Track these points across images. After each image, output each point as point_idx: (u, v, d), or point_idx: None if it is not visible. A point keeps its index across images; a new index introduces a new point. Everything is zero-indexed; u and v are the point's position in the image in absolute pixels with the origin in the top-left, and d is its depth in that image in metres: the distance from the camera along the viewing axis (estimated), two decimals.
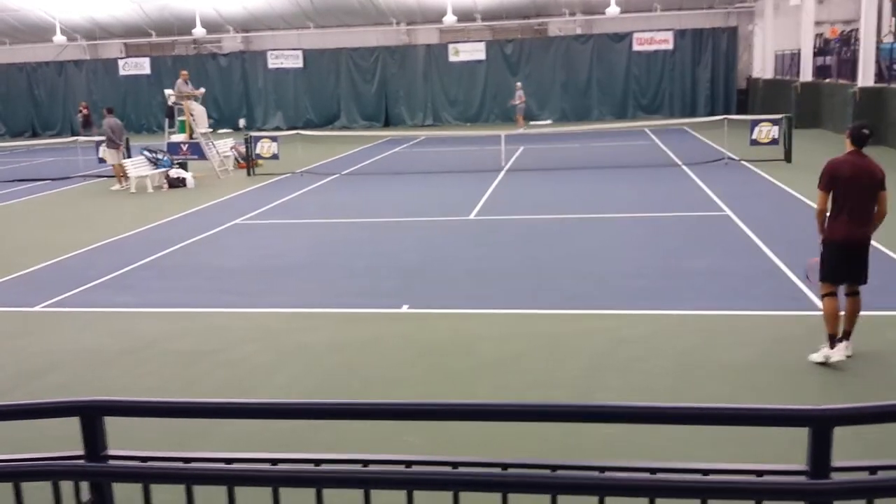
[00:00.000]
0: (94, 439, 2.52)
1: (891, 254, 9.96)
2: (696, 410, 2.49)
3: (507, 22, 36.50)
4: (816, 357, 6.78)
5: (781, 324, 8.01)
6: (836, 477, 2.18)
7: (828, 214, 6.82)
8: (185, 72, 22.92)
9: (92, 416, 2.52)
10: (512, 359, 7.35)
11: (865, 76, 21.67)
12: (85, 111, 33.72)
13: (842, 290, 6.87)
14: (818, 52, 28.47)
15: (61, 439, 2.92)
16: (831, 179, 6.75)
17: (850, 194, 6.69)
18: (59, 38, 34.73)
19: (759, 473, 2.30)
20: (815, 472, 2.19)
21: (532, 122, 32.63)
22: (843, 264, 6.81)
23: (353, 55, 37.41)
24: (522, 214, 14.26)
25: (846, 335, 6.79)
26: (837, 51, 26.89)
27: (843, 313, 6.82)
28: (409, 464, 2.45)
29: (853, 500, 2.22)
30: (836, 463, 2.20)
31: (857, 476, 2.23)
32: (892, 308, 8.01)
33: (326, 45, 37.63)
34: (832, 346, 6.73)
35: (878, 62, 22.13)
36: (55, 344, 8.37)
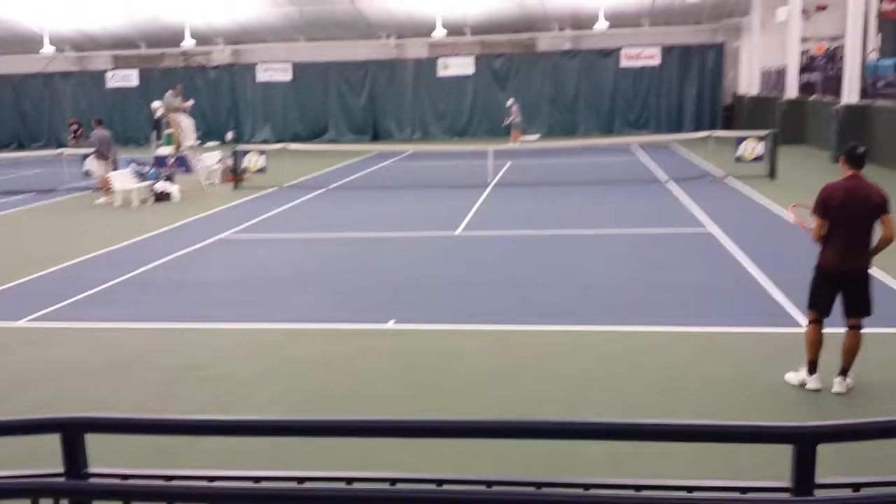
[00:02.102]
0: (75, 456, 2.50)
1: (878, 272, 10.01)
2: (680, 427, 2.49)
3: (496, 36, 36.69)
4: (791, 378, 6.73)
5: (765, 340, 8.03)
6: (820, 494, 2.19)
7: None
8: (178, 85, 22.85)
9: (73, 432, 2.50)
10: (498, 375, 7.34)
11: (850, 93, 21.89)
12: (74, 126, 33.76)
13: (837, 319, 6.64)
14: (804, 69, 28.76)
15: (42, 455, 2.88)
16: (825, 206, 6.44)
17: (842, 222, 6.36)
18: (47, 49, 34.63)
19: (744, 490, 2.30)
20: (799, 489, 2.19)
21: (521, 138, 32.74)
22: (831, 294, 6.54)
23: (343, 69, 37.49)
24: (509, 230, 14.28)
25: (843, 371, 6.56)
26: (823, 68, 27.17)
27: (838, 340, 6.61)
28: (393, 481, 2.44)
29: None
30: (819, 480, 2.20)
31: (841, 493, 2.24)
32: (872, 326, 8.04)
33: (316, 58, 37.70)
34: (810, 373, 6.61)
35: (863, 79, 22.36)
36: (39, 358, 8.30)
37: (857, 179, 6.49)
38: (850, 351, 6.54)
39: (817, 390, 6.58)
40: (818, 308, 6.65)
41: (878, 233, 6.53)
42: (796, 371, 6.77)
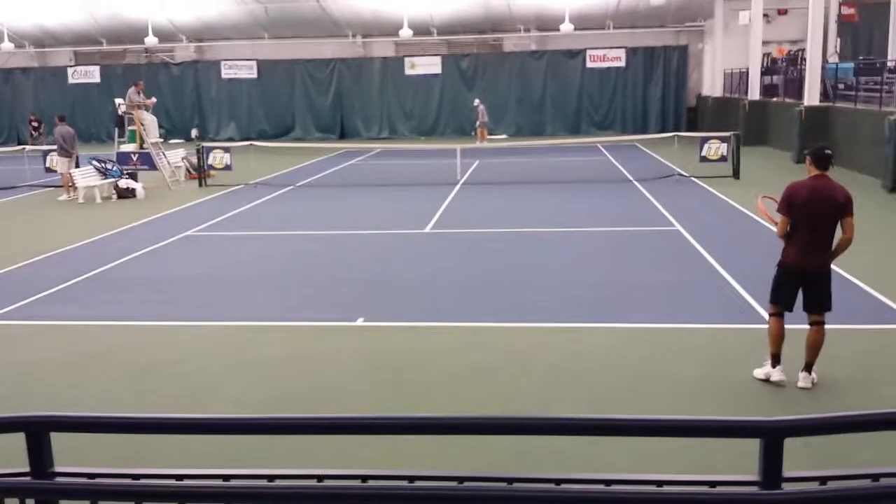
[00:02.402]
0: (40, 456, 2.45)
1: (839, 270, 10.18)
2: (650, 422, 2.52)
3: (462, 37, 36.73)
4: (758, 373, 6.84)
5: (731, 336, 8.14)
6: (787, 487, 2.22)
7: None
8: (140, 82, 22.57)
9: (38, 431, 2.45)
10: (468, 372, 7.35)
11: (811, 95, 22.25)
12: (35, 123, 33.19)
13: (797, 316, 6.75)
14: (766, 72, 29.17)
15: (5, 455, 2.83)
16: (788, 204, 6.54)
17: (805, 220, 6.46)
18: (6, 45, 33.97)
19: (713, 484, 2.33)
20: (767, 482, 2.22)
21: (488, 137, 32.83)
22: (793, 290, 6.64)
23: (308, 66, 37.27)
24: (478, 228, 14.31)
25: (807, 366, 6.67)
26: (784, 70, 27.59)
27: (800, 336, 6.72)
28: (364, 478, 2.43)
29: None
30: (786, 473, 2.24)
31: (808, 486, 2.27)
32: (836, 323, 8.19)
33: (281, 55, 37.42)
34: (773, 366, 6.72)
35: (823, 82, 22.75)
36: (0, 357, 8.15)
37: (823, 179, 6.57)
38: (814, 346, 6.64)
39: (781, 382, 6.69)
40: (780, 303, 6.75)
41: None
42: (762, 366, 6.87)
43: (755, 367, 6.95)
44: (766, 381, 6.76)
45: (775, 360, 6.74)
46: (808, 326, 6.72)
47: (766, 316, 7.12)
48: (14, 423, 2.50)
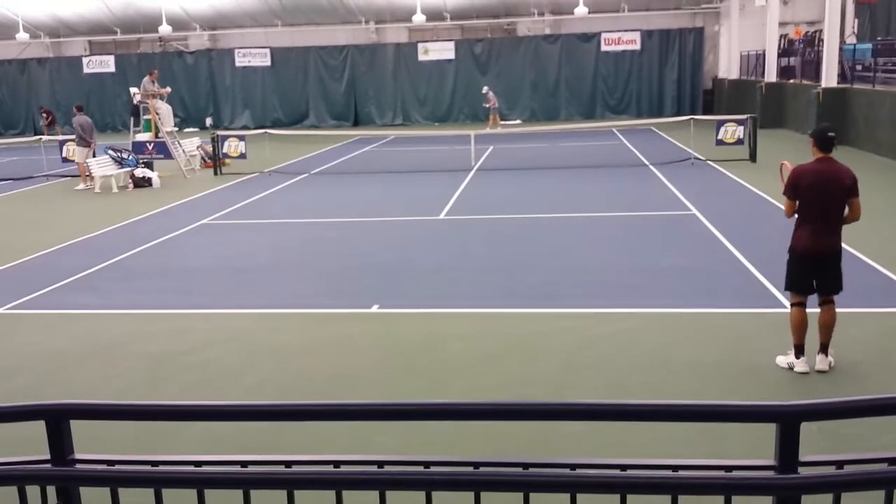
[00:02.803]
0: (60, 443, 2.48)
1: (851, 250, 10.13)
2: (665, 407, 2.51)
3: (476, 21, 36.55)
4: (781, 362, 6.78)
5: (748, 321, 8.10)
6: (804, 472, 2.21)
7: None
8: (155, 70, 22.65)
9: (58, 419, 2.48)
10: (483, 358, 7.37)
11: (829, 77, 22.01)
12: (45, 114, 33.53)
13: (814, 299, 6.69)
14: (783, 53, 28.88)
15: (27, 442, 2.87)
16: (794, 188, 6.53)
17: (813, 203, 6.45)
18: (21, 35, 34.14)
19: (729, 469, 2.33)
20: (784, 467, 2.21)
21: (502, 122, 32.71)
22: (807, 274, 6.60)
23: (322, 53, 37.23)
24: (492, 214, 14.29)
25: (822, 348, 6.64)
26: (801, 51, 27.29)
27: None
28: (381, 464, 2.44)
29: (821, 495, 2.25)
30: (803, 458, 2.23)
31: (825, 471, 2.26)
32: (854, 306, 8.15)
33: (295, 43, 37.41)
34: (797, 356, 6.65)
35: (841, 63, 22.49)
36: (20, 347, 8.23)
37: (829, 162, 6.53)
38: (827, 326, 6.61)
39: (805, 373, 6.61)
40: (798, 289, 6.70)
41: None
42: (785, 354, 6.81)
43: (772, 352, 6.92)
44: (790, 370, 6.68)
45: (799, 351, 6.65)
46: (818, 309, 6.67)
47: (783, 300, 7.07)
48: (34, 411, 2.53)
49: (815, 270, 6.59)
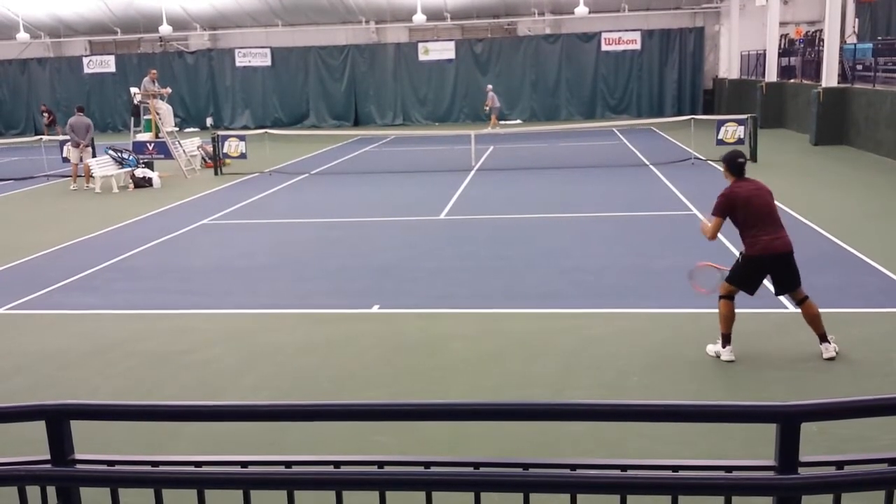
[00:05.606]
0: (60, 443, 2.48)
1: (852, 250, 10.13)
2: (665, 408, 2.51)
3: (476, 21, 36.56)
4: (710, 350, 7.07)
5: (747, 321, 8.08)
6: (804, 472, 2.21)
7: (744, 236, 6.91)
8: (154, 70, 22.65)
9: (58, 419, 2.48)
10: (483, 358, 7.36)
11: (829, 76, 22.00)
12: (46, 113, 33.55)
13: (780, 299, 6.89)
14: (783, 53, 28.86)
15: (27, 443, 2.87)
16: (729, 207, 6.86)
17: (753, 211, 6.80)
18: (22, 35, 34.15)
19: (729, 469, 2.33)
20: (784, 467, 2.21)
21: (502, 122, 32.70)
22: (763, 275, 6.88)
23: (322, 53, 37.23)
24: (493, 214, 14.28)
25: (822, 338, 6.87)
26: (802, 51, 27.29)
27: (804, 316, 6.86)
28: (381, 464, 2.44)
29: (821, 495, 2.25)
30: (803, 458, 2.23)
31: (825, 471, 2.26)
32: (855, 306, 8.15)
33: (295, 43, 37.41)
34: (724, 346, 6.94)
35: (841, 63, 22.48)
36: (20, 346, 8.23)
37: (746, 180, 6.96)
38: (814, 318, 6.86)
39: (731, 361, 6.87)
40: (746, 287, 6.93)
41: None
42: (714, 343, 7.08)
43: (773, 352, 6.98)
44: (730, 361, 6.91)
45: (726, 340, 6.96)
46: (797, 310, 6.94)
47: (784, 301, 7.09)
48: (34, 412, 2.53)
49: (775, 270, 6.85)
